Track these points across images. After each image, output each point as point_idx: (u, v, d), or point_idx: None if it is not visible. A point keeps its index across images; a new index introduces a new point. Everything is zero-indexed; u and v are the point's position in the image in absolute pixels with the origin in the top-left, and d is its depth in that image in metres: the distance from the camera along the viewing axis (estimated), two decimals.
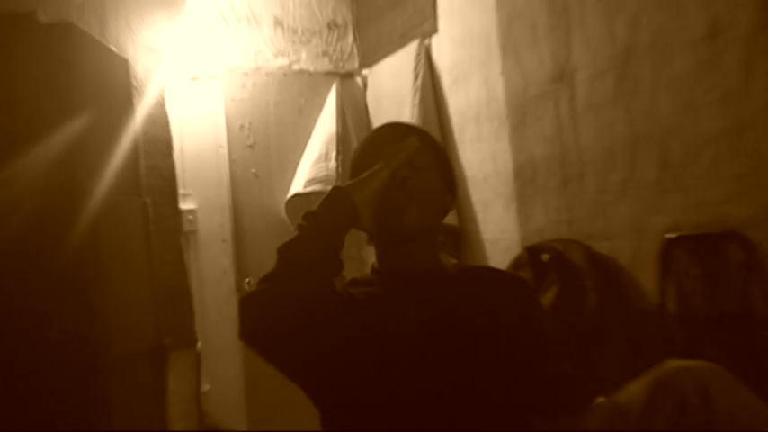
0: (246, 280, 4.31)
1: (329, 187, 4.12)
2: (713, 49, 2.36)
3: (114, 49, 3.70)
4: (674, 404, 1.87)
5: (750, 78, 2.25)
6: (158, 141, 3.88)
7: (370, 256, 1.62)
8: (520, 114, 3.31)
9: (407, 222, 1.50)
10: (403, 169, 1.50)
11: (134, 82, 3.61)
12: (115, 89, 3.15)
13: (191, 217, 4.18)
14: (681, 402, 1.85)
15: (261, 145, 4.45)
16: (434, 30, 3.91)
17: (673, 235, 2.56)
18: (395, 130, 1.62)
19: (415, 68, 3.94)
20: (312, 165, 4.31)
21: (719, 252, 2.40)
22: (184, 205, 4.13)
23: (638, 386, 2.01)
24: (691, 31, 2.43)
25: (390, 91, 4.33)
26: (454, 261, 3.75)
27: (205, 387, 4.05)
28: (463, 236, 3.81)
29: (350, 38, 4.70)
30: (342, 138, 4.35)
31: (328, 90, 4.55)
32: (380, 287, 1.55)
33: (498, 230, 3.54)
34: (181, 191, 4.07)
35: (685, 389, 1.87)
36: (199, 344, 3.95)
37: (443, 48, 3.87)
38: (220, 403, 4.14)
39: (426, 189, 1.54)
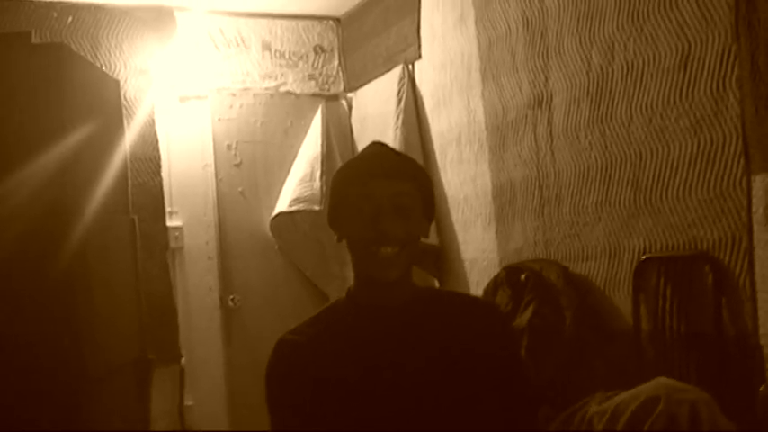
0: (231, 296, 4.34)
1: (314, 206, 4.21)
2: (685, 77, 2.43)
3: (106, 69, 3.76)
4: (665, 414, 1.92)
5: (720, 106, 2.32)
6: (147, 160, 3.92)
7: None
8: (499, 137, 3.36)
9: (392, 275, 1.50)
10: (389, 220, 1.47)
11: (124, 102, 3.65)
12: (106, 109, 3.18)
13: (177, 234, 4.20)
14: (671, 414, 1.91)
15: (247, 164, 4.49)
16: (418, 55, 3.97)
17: (645, 256, 2.62)
18: (384, 163, 1.53)
19: (399, 92, 4.01)
20: (297, 184, 4.35)
21: (691, 273, 2.45)
22: (171, 222, 4.16)
23: (631, 394, 2.06)
24: (663, 60, 2.50)
25: (374, 113, 4.39)
26: (433, 280, 3.81)
27: (188, 402, 4.06)
28: (443, 255, 3.85)
29: (336, 62, 4.75)
30: (326, 158, 4.39)
31: (314, 112, 4.60)
32: (353, 326, 1.56)
33: (478, 250, 3.58)
34: (168, 208, 4.10)
35: (678, 404, 1.93)
36: (183, 359, 3.96)
37: (426, 72, 3.93)
38: (203, 418, 4.14)
39: (411, 234, 1.51)
